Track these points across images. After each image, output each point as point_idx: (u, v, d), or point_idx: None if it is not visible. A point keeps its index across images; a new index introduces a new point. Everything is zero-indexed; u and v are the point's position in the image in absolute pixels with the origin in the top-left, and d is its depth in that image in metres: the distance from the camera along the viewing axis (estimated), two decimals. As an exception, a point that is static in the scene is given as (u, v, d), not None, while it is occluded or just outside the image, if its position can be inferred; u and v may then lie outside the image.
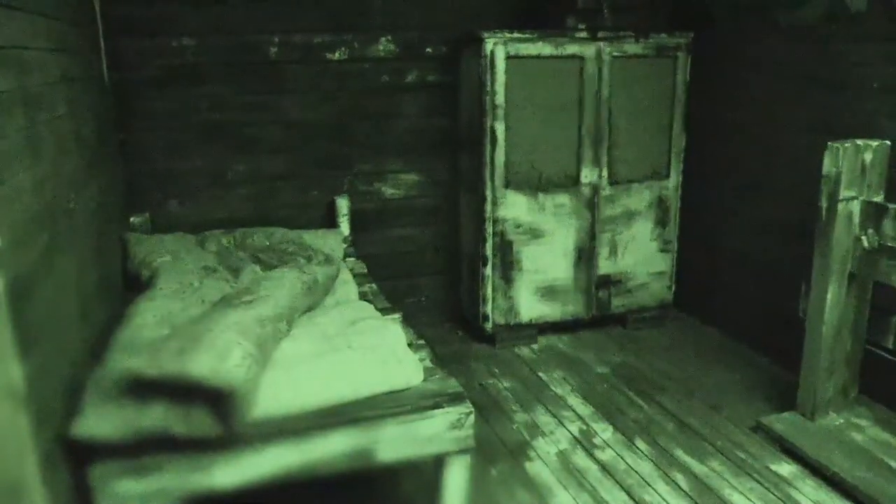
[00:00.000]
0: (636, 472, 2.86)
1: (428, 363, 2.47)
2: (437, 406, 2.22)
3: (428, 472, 2.40)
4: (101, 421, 1.90)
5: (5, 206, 1.63)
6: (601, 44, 3.81)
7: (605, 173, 3.97)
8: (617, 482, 2.79)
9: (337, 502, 2.61)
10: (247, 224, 3.79)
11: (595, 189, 3.98)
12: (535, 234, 3.94)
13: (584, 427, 3.19)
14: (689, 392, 3.50)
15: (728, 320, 4.03)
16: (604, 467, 2.89)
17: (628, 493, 2.72)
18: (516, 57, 3.70)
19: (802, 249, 3.12)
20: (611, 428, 3.18)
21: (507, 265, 3.93)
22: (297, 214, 4.04)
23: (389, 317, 2.80)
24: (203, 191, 3.94)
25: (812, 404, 3.05)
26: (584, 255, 4.05)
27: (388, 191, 4.21)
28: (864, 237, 2.83)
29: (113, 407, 1.93)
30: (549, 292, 4.04)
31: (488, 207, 3.82)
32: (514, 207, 3.87)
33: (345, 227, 4.00)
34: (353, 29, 3.95)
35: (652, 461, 2.93)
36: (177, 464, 1.95)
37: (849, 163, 2.79)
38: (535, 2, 4.12)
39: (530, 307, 4.02)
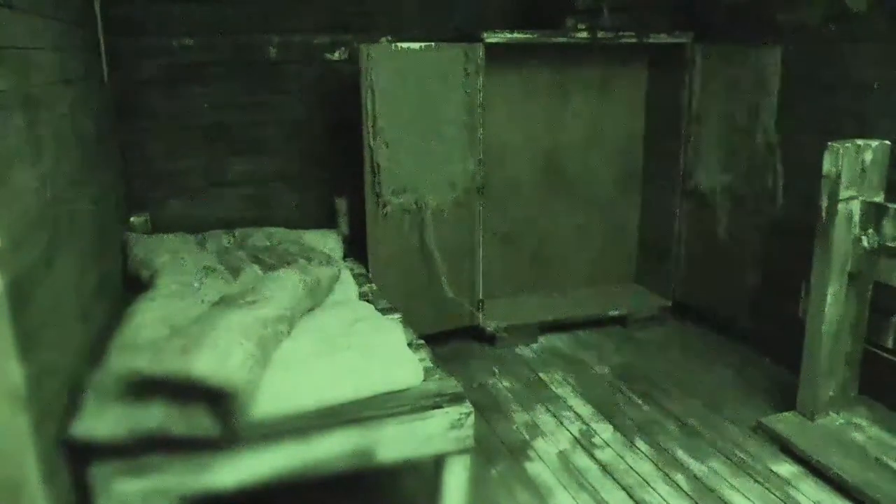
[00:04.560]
0: (636, 472, 2.86)
1: (428, 363, 2.47)
2: (436, 406, 2.22)
3: (428, 472, 2.40)
4: (101, 421, 1.90)
5: (5, 206, 1.63)
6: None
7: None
8: (617, 482, 2.79)
9: (337, 502, 2.61)
10: (247, 224, 3.80)
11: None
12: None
13: (584, 427, 3.19)
14: (689, 392, 3.50)
15: (728, 320, 4.02)
16: (604, 467, 2.89)
17: (628, 494, 2.72)
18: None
19: (803, 249, 3.12)
20: (611, 428, 3.18)
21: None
22: (296, 214, 4.04)
23: (389, 317, 2.80)
24: (203, 191, 3.94)
25: (812, 404, 3.05)
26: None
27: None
28: (864, 237, 2.83)
29: (113, 407, 1.93)
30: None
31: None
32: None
33: (344, 227, 4.00)
34: (353, 29, 3.95)
35: (652, 461, 2.93)
36: (177, 464, 1.95)
37: (849, 163, 2.79)
38: (535, 2, 4.13)
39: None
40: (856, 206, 2.84)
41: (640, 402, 3.42)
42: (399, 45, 3.51)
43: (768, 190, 3.69)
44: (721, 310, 4.04)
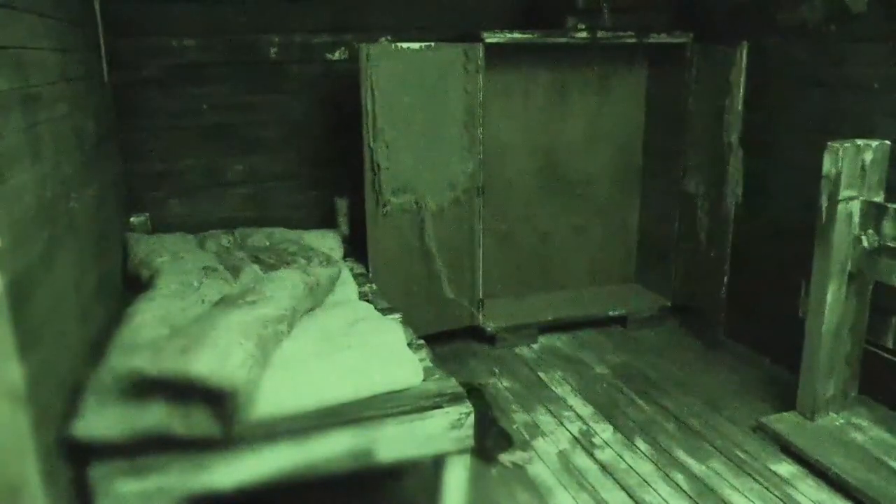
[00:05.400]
0: (636, 472, 2.86)
1: (428, 363, 2.47)
2: (436, 406, 2.22)
3: (428, 472, 2.40)
4: (101, 421, 1.90)
5: (5, 206, 1.63)
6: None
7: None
8: (617, 482, 2.79)
9: (337, 502, 2.61)
10: (246, 224, 3.80)
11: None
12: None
13: (584, 427, 3.19)
14: (689, 392, 3.50)
15: (728, 320, 4.02)
16: (604, 467, 2.89)
17: (628, 493, 2.72)
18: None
19: (802, 249, 3.12)
20: (611, 428, 3.18)
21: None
22: (296, 214, 4.04)
23: (389, 317, 2.80)
24: (203, 191, 3.94)
25: (812, 404, 3.05)
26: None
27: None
28: (864, 237, 2.83)
29: (113, 407, 1.93)
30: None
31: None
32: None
33: (344, 227, 4.00)
34: (353, 29, 3.95)
35: (652, 461, 2.93)
36: (177, 464, 1.95)
37: (849, 163, 2.79)
38: (535, 2, 4.13)
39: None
40: (856, 206, 2.84)
41: (640, 402, 3.42)
42: (399, 45, 3.51)
43: (733, 190, 3.73)
44: (715, 310, 4.03)
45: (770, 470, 2.86)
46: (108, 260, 2.94)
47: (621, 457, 2.96)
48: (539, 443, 3.07)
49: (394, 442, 2.16)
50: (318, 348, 2.33)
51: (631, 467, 2.89)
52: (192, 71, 3.77)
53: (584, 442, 3.07)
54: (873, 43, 3.09)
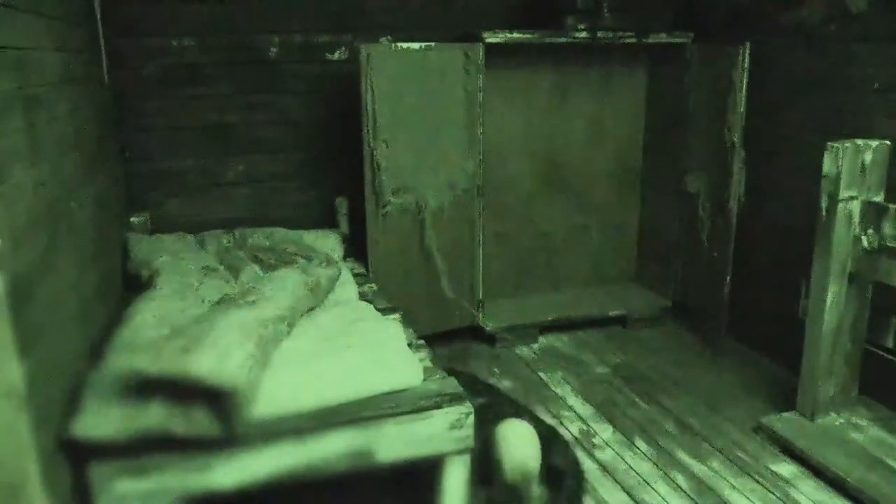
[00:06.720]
0: (636, 472, 2.86)
1: (428, 363, 2.47)
2: (436, 406, 2.21)
3: (427, 472, 2.40)
4: (101, 421, 1.90)
5: (5, 206, 1.62)
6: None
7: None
8: (617, 482, 2.79)
9: (337, 502, 2.61)
10: (247, 224, 3.80)
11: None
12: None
13: (584, 427, 3.19)
14: (689, 392, 3.50)
15: (728, 320, 4.02)
16: (604, 467, 2.89)
17: (628, 494, 2.72)
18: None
19: (802, 249, 3.12)
20: (611, 428, 3.18)
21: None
22: (296, 214, 4.04)
23: (389, 317, 2.80)
24: (203, 191, 3.94)
25: (812, 404, 3.05)
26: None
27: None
28: (864, 237, 2.83)
29: (113, 407, 1.93)
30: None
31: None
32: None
33: (344, 227, 4.00)
34: (353, 29, 3.95)
35: (652, 461, 2.93)
36: (177, 464, 1.95)
37: (849, 163, 2.79)
38: (535, 2, 4.13)
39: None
40: (856, 206, 2.84)
41: (640, 402, 3.42)
42: (399, 45, 3.51)
43: (736, 189, 3.73)
44: (716, 310, 4.03)
45: (770, 470, 2.86)
46: (108, 260, 2.94)
47: (621, 457, 2.96)
48: (539, 443, 3.07)
49: (394, 442, 2.16)
50: (318, 348, 2.33)
51: (631, 467, 2.89)
52: (192, 71, 3.77)
53: (584, 442, 3.07)
54: (873, 43, 3.09)
